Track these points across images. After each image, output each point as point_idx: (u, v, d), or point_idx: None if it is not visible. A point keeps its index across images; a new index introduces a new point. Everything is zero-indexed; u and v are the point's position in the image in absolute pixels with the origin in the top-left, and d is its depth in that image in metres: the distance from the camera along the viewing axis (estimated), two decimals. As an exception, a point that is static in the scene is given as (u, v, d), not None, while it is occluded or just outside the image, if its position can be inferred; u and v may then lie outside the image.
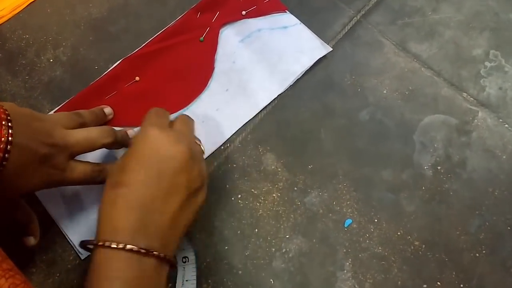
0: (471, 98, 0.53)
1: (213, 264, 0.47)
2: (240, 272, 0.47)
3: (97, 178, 0.46)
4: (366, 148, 0.52)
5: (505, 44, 0.56)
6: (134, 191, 0.38)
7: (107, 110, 0.52)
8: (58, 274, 0.47)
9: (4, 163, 0.38)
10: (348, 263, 0.47)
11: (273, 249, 0.47)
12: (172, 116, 0.52)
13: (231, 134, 0.53)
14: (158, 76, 0.55)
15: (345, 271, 0.47)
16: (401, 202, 0.49)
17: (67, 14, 0.59)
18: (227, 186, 0.50)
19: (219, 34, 0.57)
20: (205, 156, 0.50)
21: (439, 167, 0.50)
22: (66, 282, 0.46)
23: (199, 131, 0.48)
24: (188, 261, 0.46)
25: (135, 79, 0.54)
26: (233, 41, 0.57)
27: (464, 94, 0.53)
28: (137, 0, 0.60)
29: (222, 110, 0.54)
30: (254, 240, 0.48)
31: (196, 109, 0.54)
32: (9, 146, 0.38)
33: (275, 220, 0.49)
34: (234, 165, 0.51)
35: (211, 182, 0.50)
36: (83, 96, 0.53)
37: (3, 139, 0.38)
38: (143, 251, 0.36)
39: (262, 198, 0.50)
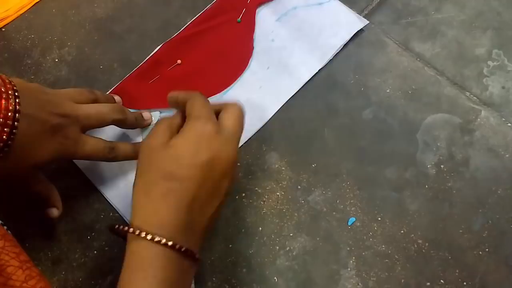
0: (474, 97, 0.53)
1: (218, 262, 0.47)
2: (244, 270, 0.47)
3: (109, 155, 0.46)
4: (370, 147, 0.52)
5: (508, 44, 0.56)
6: (187, 189, 0.37)
7: (117, 98, 0.52)
8: (63, 272, 0.47)
9: (14, 131, 0.39)
10: (351, 261, 0.47)
11: (277, 247, 0.48)
12: (215, 98, 0.54)
13: (276, 110, 0.54)
14: (199, 58, 0.56)
15: (349, 269, 0.47)
16: (405, 201, 0.49)
17: (72, 15, 0.59)
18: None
19: (256, 14, 0.58)
20: (251, 133, 0.52)
21: (442, 166, 0.51)
22: (72, 280, 0.47)
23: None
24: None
25: (177, 62, 0.55)
26: (270, 20, 0.58)
27: (467, 93, 0.54)
28: (142, 0, 0.60)
29: (265, 88, 0.55)
30: (258, 238, 0.48)
31: (239, 89, 0.55)
32: (17, 115, 0.39)
33: (279, 218, 0.49)
34: (238, 164, 0.51)
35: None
36: (127, 82, 0.54)
37: (10, 107, 0.38)
38: (188, 252, 0.36)
39: (266, 196, 0.50)
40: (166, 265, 0.35)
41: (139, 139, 0.52)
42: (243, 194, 0.50)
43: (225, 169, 0.39)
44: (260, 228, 0.49)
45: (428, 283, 0.46)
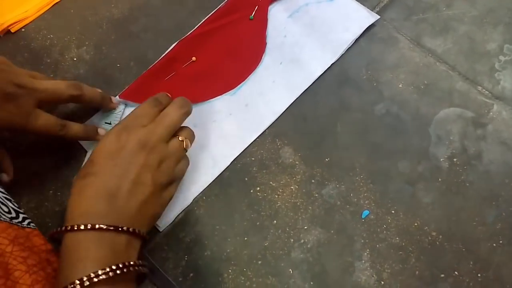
0: (486, 92, 0.54)
1: (233, 254, 0.48)
2: (259, 262, 0.48)
3: (60, 132, 0.47)
4: (383, 142, 0.52)
5: (519, 39, 0.56)
6: (101, 180, 0.41)
7: (113, 98, 0.54)
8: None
9: None
10: (366, 254, 0.48)
11: (292, 240, 0.48)
12: (230, 93, 0.55)
13: (289, 104, 0.55)
14: (214, 55, 0.57)
15: (363, 261, 0.47)
16: (418, 194, 0.50)
17: (90, 15, 0.61)
18: (246, 179, 0.51)
19: (268, 12, 0.59)
20: (265, 126, 0.53)
21: (455, 159, 0.51)
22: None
23: (257, 104, 0.54)
24: None
25: (191, 59, 0.57)
26: (282, 17, 0.59)
27: (479, 88, 0.54)
28: (158, 0, 0.62)
29: (278, 82, 0.56)
30: (273, 231, 0.49)
31: (252, 83, 0.56)
32: None
33: (293, 211, 0.50)
34: (253, 159, 0.52)
35: (232, 175, 0.51)
36: (143, 79, 0.55)
37: None
38: (111, 228, 0.38)
39: (281, 190, 0.51)
40: (95, 247, 0.38)
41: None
42: (258, 188, 0.51)
43: (136, 155, 0.42)
44: (275, 221, 0.49)
45: (442, 275, 0.46)
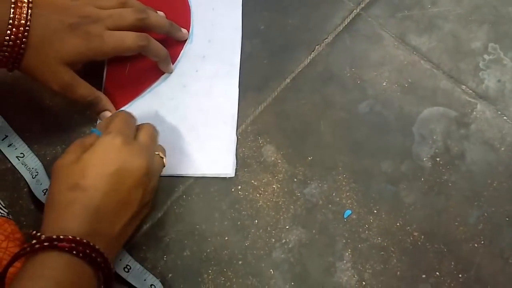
0: (470, 91, 0.54)
1: (213, 254, 0.47)
2: (240, 262, 0.47)
3: (141, 42, 0.48)
4: (366, 140, 0.52)
5: (504, 37, 0.56)
6: (91, 198, 0.39)
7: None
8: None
9: (27, 28, 0.42)
10: (347, 254, 0.47)
11: (273, 240, 0.48)
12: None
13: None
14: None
15: (345, 261, 0.47)
16: (400, 194, 0.49)
17: None
18: (227, 177, 0.50)
19: None
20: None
21: (438, 159, 0.51)
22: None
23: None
24: None
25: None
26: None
27: (463, 87, 0.54)
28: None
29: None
30: (254, 231, 0.48)
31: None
32: (29, 15, 0.42)
33: (275, 211, 0.49)
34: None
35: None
36: (110, 83, 0.54)
37: (24, 5, 0.42)
38: (86, 256, 0.36)
39: (262, 189, 0.50)
40: (63, 268, 0.36)
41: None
42: (239, 187, 0.50)
43: (136, 180, 0.41)
44: (256, 221, 0.49)
45: (424, 276, 0.46)
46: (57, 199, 0.39)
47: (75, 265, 0.36)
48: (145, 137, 0.44)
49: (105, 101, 0.50)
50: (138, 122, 0.47)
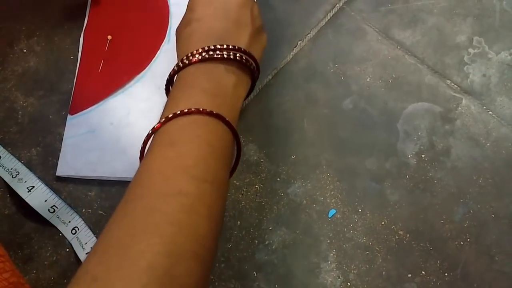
0: (455, 86, 0.53)
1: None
2: (222, 265, 0.46)
3: None
4: (350, 137, 0.51)
5: (488, 31, 0.55)
6: (206, 23, 0.42)
7: None
8: (34, 271, 0.45)
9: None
10: (332, 254, 0.46)
11: (256, 241, 0.47)
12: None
13: None
14: (121, 24, 0.54)
15: (329, 262, 0.46)
16: (385, 192, 0.48)
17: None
18: (209, 178, 0.49)
19: None
20: None
21: (423, 156, 0.50)
22: (43, 279, 0.45)
23: None
24: (78, 230, 0.46)
25: (108, 39, 0.53)
26: None
27: (448, 82, 0.53)
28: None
29: None
30: (237, 232, 0.47)
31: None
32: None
33: (257, 211, 0.48)
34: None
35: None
36: (80, 85, 0.52)
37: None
38: (224, 49, 0.40)
39: (245, 189, 0.49)
40: (203, 77, 0.39)
41: None
42: (221, 187, 0.49)
43: (241, 1, 0.43)
44: (239, 222, 0.47)
45: (410, 275, 0.45)
46: (179, 39, 0.43)
47: (215, 71, 0.40)
48: None
49: None
50: (110, 121, 0.47)
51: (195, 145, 0.35)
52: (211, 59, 0.40)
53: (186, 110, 0.36)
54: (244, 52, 0.41)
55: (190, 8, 0.44)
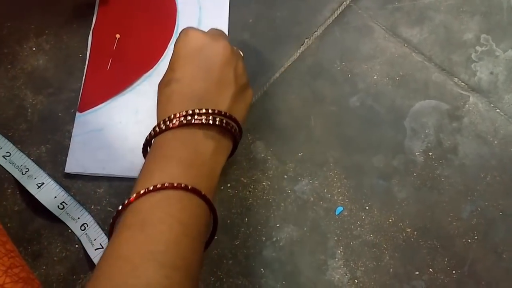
0: (462, 83, 0.53)
1: (203, 254, 0.46)
2: (230, 262, 0.46)
3: None
4: (357, 135, 0.51)
5: (496, 28, 0.55)
6: (186, 85, 0.40)
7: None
8: (44, 267, 0.46)
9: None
10: (339, 251, 0.46)
11: (264, 238, 0.47)
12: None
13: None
14: (130, 22, 0.55)
15: (337, 259, 0.46)
16: (393, 189, 0.49)
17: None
18: (216, 175, 0.49)
19: None
20: None
21: (430, 153, 0.50)
22: (52, 275, 0.45)
23: None
24: (88, 226, 0.46)
25: (116, 37, 0.53)
26: None
27: (455, 79, 0.53)
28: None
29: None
30: (244, 229, 0.47)
31: None
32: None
33: (265, 209, 0.48)
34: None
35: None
36: (89, 83, 0.52)
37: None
38: (202, 113, 0.38)
39: (252, 187, 0.49)
40: (179, 146, 0.38)
41: None
42: (229, 185, 0.49)
43: (224, 59, 0.41)
44: (246, 219, 0.48)
45: (417, 272, 0.46)
46: (159, 99, 0.41)
47: (191, 138, 0.38)
48: (216, 30, 0.45)
49: None
50: (118, 119, 0.47)
51: (166, 226, 0.34)
52: (189, 124, 0.38)
53: (159, 186, 0.34)
54: (225, 115, 0.39)
55: (170, 67, 0.41)
